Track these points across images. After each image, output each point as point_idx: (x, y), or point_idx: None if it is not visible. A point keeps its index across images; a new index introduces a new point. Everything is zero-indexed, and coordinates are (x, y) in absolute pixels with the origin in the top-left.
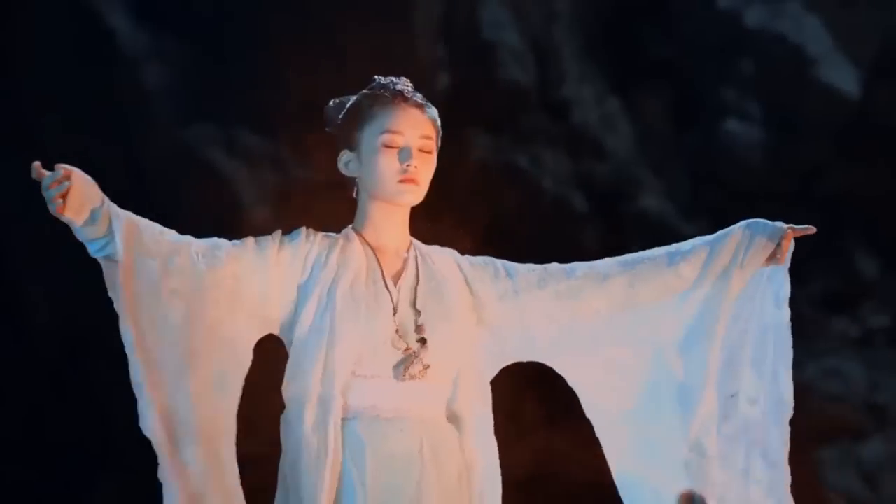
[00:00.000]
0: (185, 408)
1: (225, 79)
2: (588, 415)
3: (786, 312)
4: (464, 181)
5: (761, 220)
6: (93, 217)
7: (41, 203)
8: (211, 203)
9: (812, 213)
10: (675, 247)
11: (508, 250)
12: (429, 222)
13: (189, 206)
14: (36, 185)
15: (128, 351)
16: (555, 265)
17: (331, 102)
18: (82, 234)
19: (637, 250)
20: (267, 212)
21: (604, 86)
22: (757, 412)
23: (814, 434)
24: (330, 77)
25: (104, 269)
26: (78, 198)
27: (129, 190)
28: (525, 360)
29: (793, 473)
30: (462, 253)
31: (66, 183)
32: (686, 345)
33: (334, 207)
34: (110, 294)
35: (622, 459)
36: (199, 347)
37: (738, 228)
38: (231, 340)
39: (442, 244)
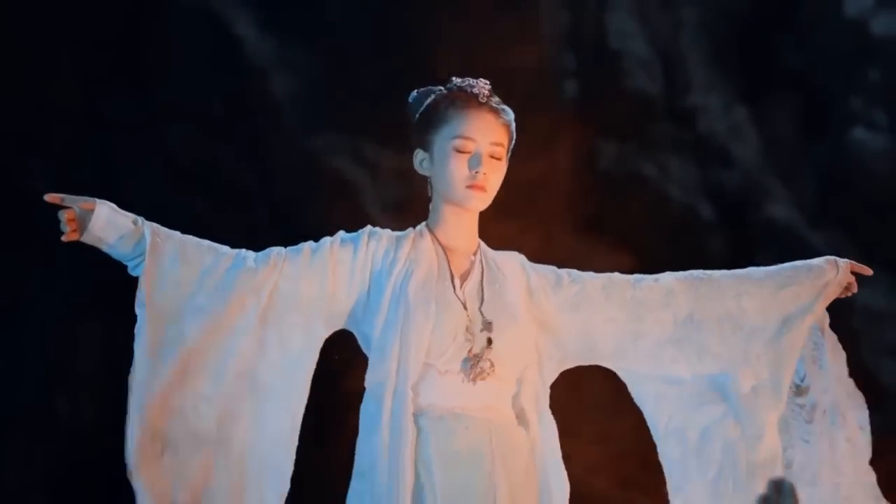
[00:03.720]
0: (191, 410)
1: (352, 88)
2: (650, 424)
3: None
4: (589, 189)
5: (830, 257)
6: (120, 238)
7: (176, 212)
8: (337, 212)
9: None
10: (742, 275)
11: (635, 259)
12: (555, 229)
13: (315, 214)
14: (169, 194)
15: (140, 355)
16: (618, 275)
17: (414, 93)
18: (112, 253)
19: (764, 259)
20: (391, 224)
21: (731, 94)
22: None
23: None
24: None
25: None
26: (101, 223)
27: (257, 196)
28: (586, 363)
29: None
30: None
31: (76, 209)
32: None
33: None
34: (137, 311)
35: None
36: (215, 356)
37: (814, 268)
38: (275, 340)
39: (570, 253)
